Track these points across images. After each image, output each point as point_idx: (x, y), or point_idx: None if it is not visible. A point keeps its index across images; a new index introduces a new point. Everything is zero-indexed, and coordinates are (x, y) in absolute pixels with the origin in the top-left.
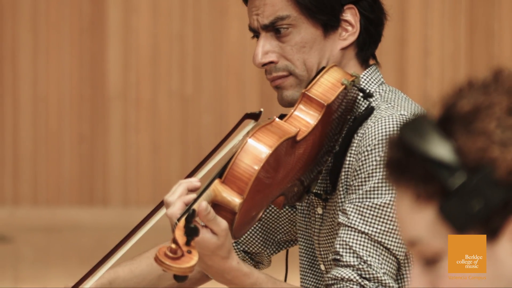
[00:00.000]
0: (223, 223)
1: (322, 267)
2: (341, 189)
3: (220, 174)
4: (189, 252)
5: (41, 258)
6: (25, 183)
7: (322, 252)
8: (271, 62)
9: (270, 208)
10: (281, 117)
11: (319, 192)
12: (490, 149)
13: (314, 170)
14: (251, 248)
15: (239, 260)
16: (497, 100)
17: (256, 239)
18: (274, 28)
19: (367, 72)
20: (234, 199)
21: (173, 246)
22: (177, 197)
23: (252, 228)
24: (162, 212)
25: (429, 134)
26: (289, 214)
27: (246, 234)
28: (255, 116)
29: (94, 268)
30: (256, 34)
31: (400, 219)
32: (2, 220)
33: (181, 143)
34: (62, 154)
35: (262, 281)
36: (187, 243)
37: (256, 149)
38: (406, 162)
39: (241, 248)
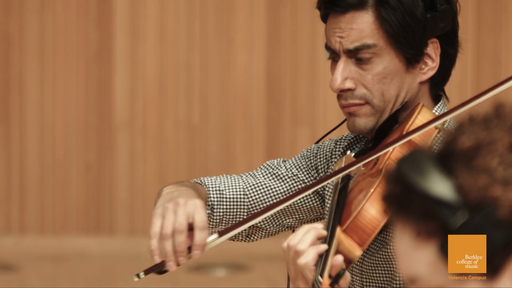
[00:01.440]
0: (349, 277)
1: None
2: None
3: (340, 221)
4: None
5: (48, 287)
6: (32, 211)
7: (364, 279)
8: (349, 89)
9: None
10: (361, 152)
11: None
12: (492, 188)
13: None
14: (258, 223)
15: None
16: (499, 136)
17: (268, 217)
18: (356, 55)
19: (438, 108)
20: (356, 251)
21: None
22: (308, 245)
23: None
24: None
25: (429, 170)
26: (316, 204)
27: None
28: None
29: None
30: (333, 55)
31: (399, 255)
32: (8, 248)
33: (188, 172)
34: (69, 182)
35: None
36: None
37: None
38: (406, 198)
39: None
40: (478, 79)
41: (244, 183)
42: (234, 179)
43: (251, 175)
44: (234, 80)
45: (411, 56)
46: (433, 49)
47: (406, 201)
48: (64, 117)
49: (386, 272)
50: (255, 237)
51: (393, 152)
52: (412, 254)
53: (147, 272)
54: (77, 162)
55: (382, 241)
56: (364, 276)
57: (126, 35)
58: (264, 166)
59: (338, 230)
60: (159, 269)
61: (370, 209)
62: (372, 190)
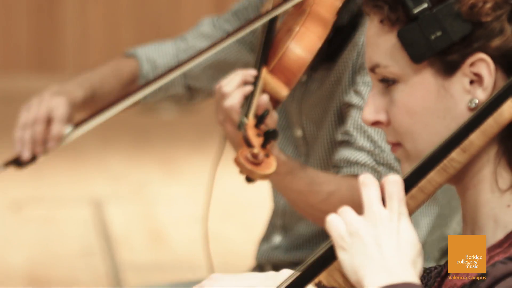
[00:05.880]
0: (275, 116)
1: (299, 133)
2: (348, 66)
3: (267, 61)
4: (267, 156)
5: None
6: None
7: (304, 120)
8: None
9: (231, 49)
10: None
11: None
12: None
13: None
14: (196, 84)
15: (280, 149)
16: None
17: (206, 76)
18: None
19: None
20: (282, 90)
21: (255, 151)
22: (235, 87)
23: (206, 65)
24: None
25: None
26: (246, 56)
27: (198, 70)
28: None
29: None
30: None
31: (367, 44)
32: None
33: (136, 9)
34: (19, 21)
35: (296, 168)
36: (264, 146)
37: (308, 39)
38: None
39: (187, 83)
40: None
41: (177, 48)
42: (166, 46)
43: (181, 39)
44: None
45: None
46: None
47: None
48: None
49: (322, 109)
50: (198, 98)
51: None
52: (375, 41)
53: (7, 164)
54: (26, 1)
55: (320, 80)
56: (304, 112)
57: None
58: (194, 28)
59: (265, 70)
60: (17, 159)
61: (296, 48)
62: (297, 28)
